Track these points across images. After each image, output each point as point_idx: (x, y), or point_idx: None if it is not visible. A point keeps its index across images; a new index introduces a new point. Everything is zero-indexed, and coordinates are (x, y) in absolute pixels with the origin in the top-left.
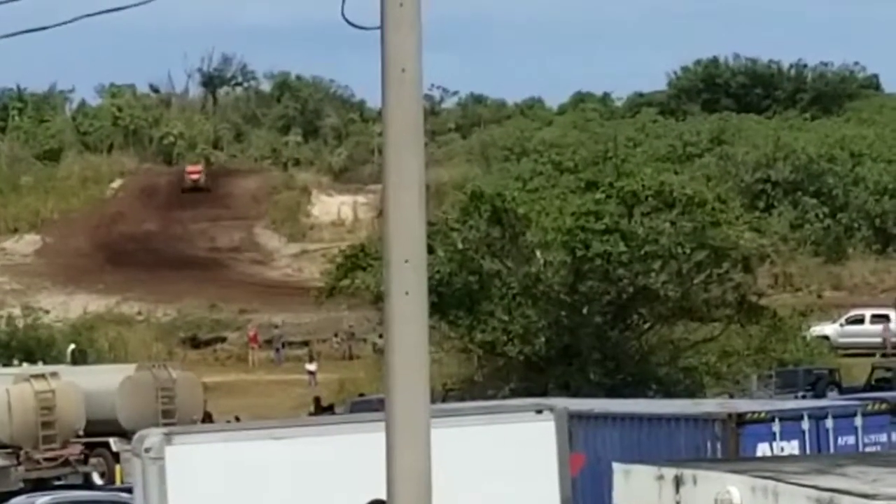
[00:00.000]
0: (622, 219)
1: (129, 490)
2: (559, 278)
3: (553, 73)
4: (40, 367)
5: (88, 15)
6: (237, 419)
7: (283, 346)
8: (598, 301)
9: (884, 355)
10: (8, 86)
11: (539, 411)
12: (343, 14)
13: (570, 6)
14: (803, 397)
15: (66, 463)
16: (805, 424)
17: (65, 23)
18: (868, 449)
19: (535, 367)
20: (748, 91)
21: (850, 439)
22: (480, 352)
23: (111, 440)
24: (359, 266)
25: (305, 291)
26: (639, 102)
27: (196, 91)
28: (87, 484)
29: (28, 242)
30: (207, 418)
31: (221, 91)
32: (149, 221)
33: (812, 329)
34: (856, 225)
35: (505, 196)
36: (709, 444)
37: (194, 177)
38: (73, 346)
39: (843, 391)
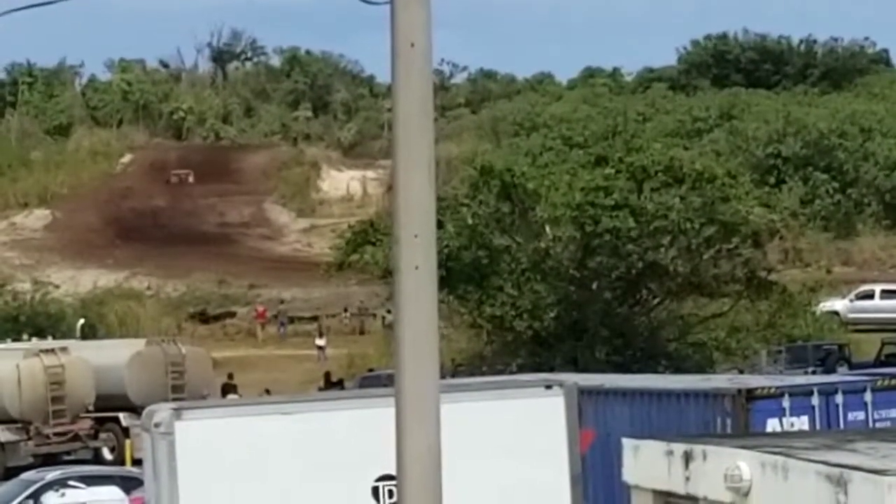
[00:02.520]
0: (631, 194)
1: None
2: (568, 254)
3: (563, 48)
4: (50, 342)
5: None
6: (267, 392)
7: (291, 320)
8: (608, 277)
9: None
10: (18, 60)
11: (549, 387)
12: None
13: None
14: (813, 373)
15: (76, 438)
16: (815, 400)
17: None
18: (878, 424)
19: (543, 342)
20: (758, 66)
21: (860, 415)
22: (489, 327)
23: (121, 415)
24: (368, 241)
25: (315, 266)
26: (648, 78)
27: (206, 66)
28: (97, 459)
29: (38, 217)
30: (232, 390)
31: (231, 66)
32: (158, 196)
33: (822, 304)
34: (866, 200)
35: (514, 171)
36: (718, 420)
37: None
38: (82, 320)
39: (852, 367)
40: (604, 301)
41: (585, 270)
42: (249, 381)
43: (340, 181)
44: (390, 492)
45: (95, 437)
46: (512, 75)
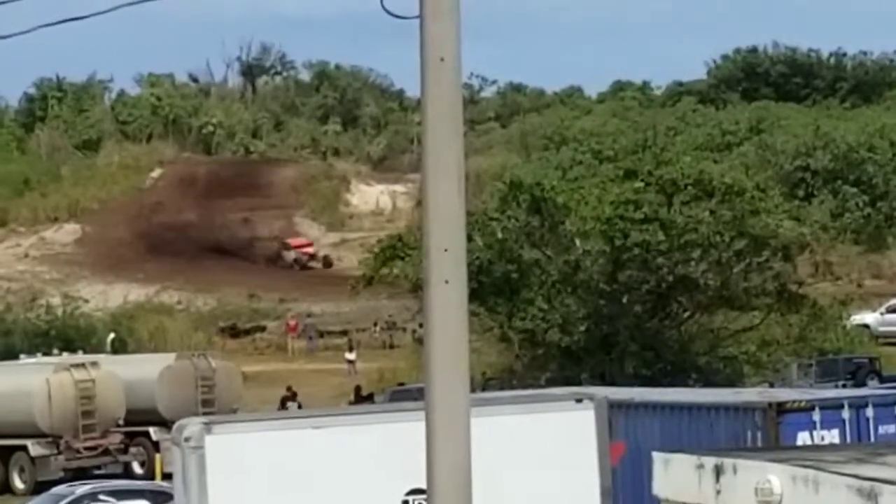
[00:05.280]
0: (661, 208)
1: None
2: (598, 267)
3: (592, 61)
4: (80, 357)
5: (127, 4)
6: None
7: (321, 334)
8: (638, 290)
9: None
10: (47, 75)
11: (579, 400)
12: (382, 3)
13: None
14: (843, 386)
15: (106, 452)
16: (845, 413)
17: (104, 12)
18: None
19: (573, 356)
20: (787, 80)
21: (891, 428)
22: (519, 340)
23: (151, 429)
24: (397, 255)
25: (345, 280)
26: (678, 91)
27: (235, 80)
28: (128, 473)
29: (68, 232)
30: (292, 399)
31: (260, 80)
32: (188, 211)
33: (852, 318)
34: None
35: (544, 185)
36: (749, 433)
37: (307, 249)
38: (112, 335)
39: (883, 380)
40: (634, 315)
41: (615, 284)
42: (279, 396)
43: (370, 195)
44: None
45: (126, 451)
46: (541, 89)
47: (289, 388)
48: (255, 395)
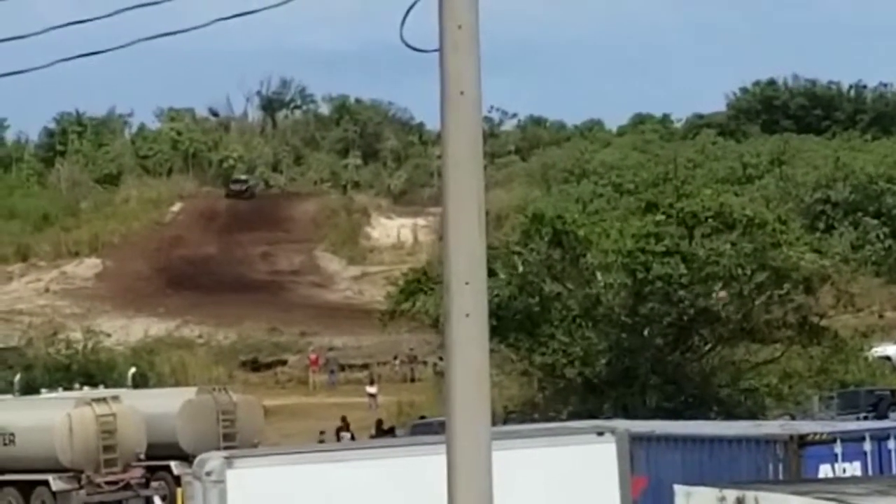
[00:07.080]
0: (682, 240)
1: None
2: (620, 300)
3: (612, 94)
4: (101, 391)
5: (146, 38)
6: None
7: (343, 368)
8: (659, 323)
9: None
10: (67, 110)
11: (600, 433)
12: (402, 37)
13: (628, 28)
14: (865, 418)
15: (128, 487)
16: (867, 446)
17: (123, 46)
18: None
19: (595, 389)
20: (807, 112)
21: None
22: (541, 374)
23: (172, 464)
24: (420, 289)
25: (366, 314)
26: (698, 124)
27: (255, 114)
28: None
29: (88, 266)
30: (346, 428)
31: (280, 114)
32: (208, 245)
33: (873, 350)
34: None
35: (565, 218)
36: (770, 466)
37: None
38: (133, 369)
39: None
40: (655, 347)
41: (637, 317)
42: (300, 429)
43: (391, 229)
44: None
45: (147, 485)
46: (561, 122)
47: (343, 419)
48: (277, 429)
